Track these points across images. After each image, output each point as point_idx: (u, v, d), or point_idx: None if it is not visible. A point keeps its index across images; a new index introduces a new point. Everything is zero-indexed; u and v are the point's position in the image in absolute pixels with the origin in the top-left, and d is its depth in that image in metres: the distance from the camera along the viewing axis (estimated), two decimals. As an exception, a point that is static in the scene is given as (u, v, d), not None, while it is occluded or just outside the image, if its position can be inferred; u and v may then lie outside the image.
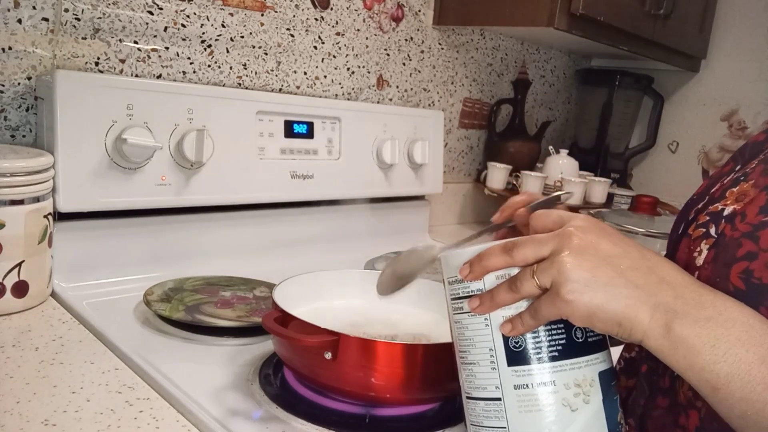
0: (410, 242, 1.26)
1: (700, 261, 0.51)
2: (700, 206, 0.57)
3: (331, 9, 1.19)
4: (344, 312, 0.74)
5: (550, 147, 1.58)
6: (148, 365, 0.65)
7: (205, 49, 1.03)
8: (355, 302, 0.75)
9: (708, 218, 0.53)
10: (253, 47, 1.09)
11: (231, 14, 1.05)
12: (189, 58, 1.02)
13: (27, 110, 0.88)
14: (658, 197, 1.70)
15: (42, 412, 0.54)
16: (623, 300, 0.43)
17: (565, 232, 0.45)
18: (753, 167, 0.54)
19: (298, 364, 0.61)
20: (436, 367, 0.57)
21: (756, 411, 0.41)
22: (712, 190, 0.57)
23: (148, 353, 0.68)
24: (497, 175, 1.45)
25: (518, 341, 0.46)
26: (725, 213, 0.52)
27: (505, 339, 0.46)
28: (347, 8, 1.21)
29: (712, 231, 0.52)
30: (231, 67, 1.07)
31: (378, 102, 1.32)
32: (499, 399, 0.46)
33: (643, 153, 1.82)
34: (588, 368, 0.46)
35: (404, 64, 1.35)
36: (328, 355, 0.56)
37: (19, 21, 0.85)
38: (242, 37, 1.07)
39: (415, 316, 0.75)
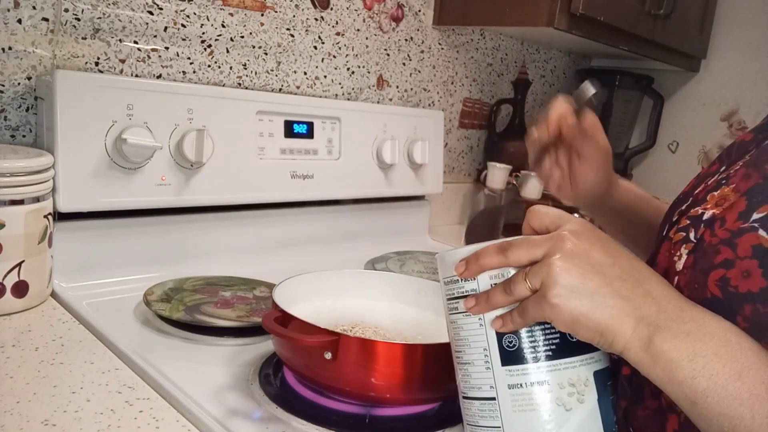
0: (410, 242, 1.28)
1: (679, 266, 0.51)
2: (683, 208, 0.56)
3: (331, 9, 1.19)
4: (344, 312, 0.74)
5: (550, 147, 1.58)
6: (148, 365, 0.65)
7: (205, 49, 1.03)
8: (355, 302, 0.75)
9: (688, 222, 0.52)
10: (253, 47, 1.09)
11: (231, 14, 1.05)
12: (189, 58, 1.02)
13: (27, 110, 0.88)
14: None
15: (42, 412, 0.54)
16: (608, 310, 0.43)
17: (558, 236, 0.45)
18: (735, 170, 0.53)
19: (298, 364, 0.61)
20: (435, 367, 0.57)
21: (733, 426, 0.41)
22: (696, 191, 0.57)
23: (148, 353, 0.68)
24: (497, 175, 1.45)
25: (512, 341, 0.46)
26: (705, 217, 0.51)
27: (499, 339, 0.46)
28: (347, 8, 1.21)
29: (692, 235, 0.51)
30: (231, 67, 1.07)
31: (378, 102, 1.32)
32: (493, 399, 0.47)
33: (643, 153, 1.82)
34: (582, 367, 0.46)
35: (404, 64, 1.35)
36: (328, 355, 0.56)
37: (19, 21, 0.85)
38: (242, 37, 1.07)
39: (414, 316, 0.75)
